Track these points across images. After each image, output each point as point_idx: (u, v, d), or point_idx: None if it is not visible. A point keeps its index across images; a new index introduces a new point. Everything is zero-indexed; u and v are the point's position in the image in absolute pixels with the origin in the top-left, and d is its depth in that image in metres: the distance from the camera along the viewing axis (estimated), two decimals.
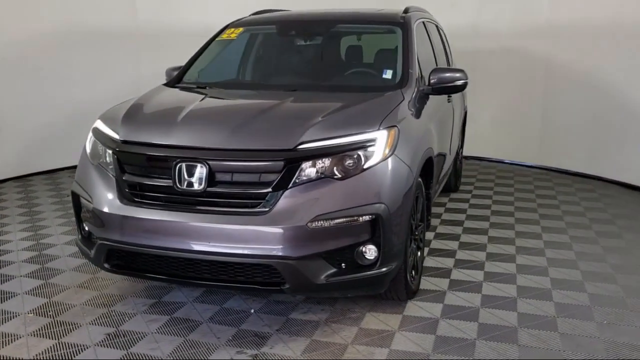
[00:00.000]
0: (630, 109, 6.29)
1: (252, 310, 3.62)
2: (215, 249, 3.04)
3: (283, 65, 4.61)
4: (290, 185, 3.02)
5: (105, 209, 3.24)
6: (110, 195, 3.27)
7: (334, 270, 3.09)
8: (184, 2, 7.86)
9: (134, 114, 3.57)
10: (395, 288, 3.48)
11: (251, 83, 4.51)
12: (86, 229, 3.58)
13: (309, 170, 3.05)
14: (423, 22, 4.87)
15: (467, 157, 7.61)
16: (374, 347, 3.18)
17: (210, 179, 3.07)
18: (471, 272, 4.15)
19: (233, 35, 4.68)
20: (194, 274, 3.20)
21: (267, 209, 3.00)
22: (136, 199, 3.22)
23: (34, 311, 3.61)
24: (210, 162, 3.07)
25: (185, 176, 3.10)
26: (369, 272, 3.13)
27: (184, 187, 3.11)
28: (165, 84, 4.36)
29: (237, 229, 3.01)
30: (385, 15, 4.67)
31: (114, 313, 3.59)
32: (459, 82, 4.05)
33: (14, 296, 3.82)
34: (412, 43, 4.25)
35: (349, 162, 3.09)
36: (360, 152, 3.11)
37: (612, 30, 6.36)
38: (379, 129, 3.20)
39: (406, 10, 4.72)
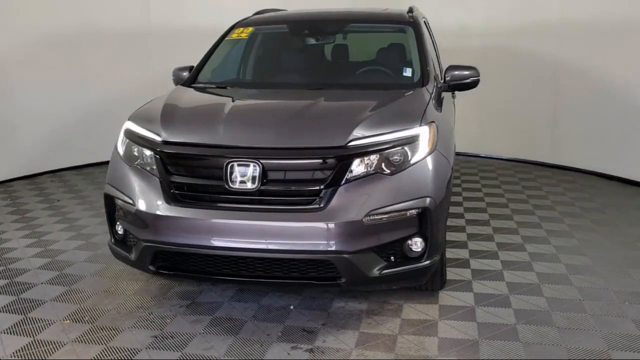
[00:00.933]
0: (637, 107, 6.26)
1: (292, 307, 3.66)
2: (271, 246, 3.08)
3: (300, 64, 4.67)
4: (343, 181, 3.09)
5: (151, 211, 3.22)
6: (155, 197, 3.25)
7: (384, 263, 3.18)
8: (196, 2, 7.86)
9: (171, 115, 3.56)
10: (432, 279, 3.60)
11: (272, 82, 4.52)
12: (120, 232, 3.54)
13: (360, 166, 3.13)
14: (424, 21, 5.03)
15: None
16: (423, 337, 3.29)
17: (263, 177, 3.11)
18: (488, 261, 4.32)
19: (244, 35, 4.70)
20: (246, 272, 3.23)
21: (322, 206, 3.06)
22: (184, 200, 3.22)
23: (70, 317, 3.55)
24: (263, 161, 3.11)
25: (238, 176, 3.12)
26: (416, 265, 3.24)
27: (236, 186, 3.13)
28: (183, 84, 4.32)
29: (294, 226, 3.06)
30: (393, 14, 4.79)
31: (152, 316, 3.56)
32: (472, 79, 4.19)
33: (42, 304, 3.74)
34: (426, 41, 4.39)
35: (397, 157, 3.19)
36: (407, 148, 3.22)
37: (621, 29, 6.25)
38: (421, 125, 3.31)
39: (411, 10, 4.86)
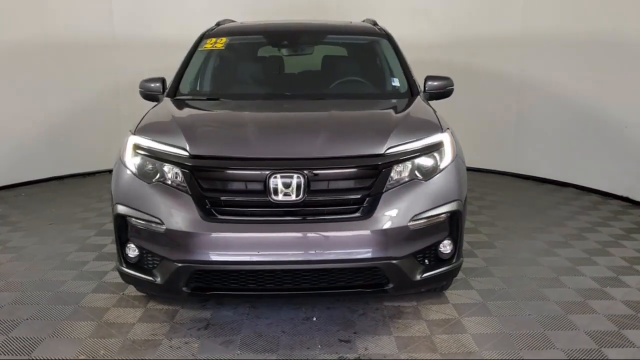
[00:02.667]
0: (595, 118, 6.54)
1: (314, 318, 3.63)
2: (319, 257, 3.05)
3: (288, 75, 4.62)
4: (385, 188, 3.15)
5: (186, 229, 3.06)
6: (188, 214, 3.09)
7: (423, 267, 3.28)
8: (160, 14, 7.84)
9: (194, 128, 3.40)
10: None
11: (268, 93, 4.39)
12: (132, 254, 3.31)
13: (398, 173, 3.21)
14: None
15: None
16: (456, 334, 3.42)
17: (307, 188, 3.07)
18: (467, 259, 4.53)
19: (219, 45, 4.58)
20: (291, 285, 3.16)
21: (367, 213, 3.09)
22: (222, 215, 3.08)
23: (83, 352, 3.24)
24: (306, 172, 3.07)
25: (281, 187, 3.06)
26: (448, 266, 3.38)
27: (280, 198, 3.06)
28: (167, 96, 4.12)
29: (341, 235, 3.06)
30: (365, 26, 4.91)
31: (174, 342, 3.35)
32: (448, 89, 4.43)
33: (41, 341, 3.36)
34: (402, 52, 4.56)
35: (429, 163, 3.31)
36: (436, 154, 3.34)
37: (580, 41, 6.53)
38: (443, 131, 3.45)
39: (375, 23, 5.02)
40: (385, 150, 3.21)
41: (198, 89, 4.33)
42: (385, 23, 5.14)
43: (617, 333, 3.42)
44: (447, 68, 6.05)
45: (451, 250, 3.37)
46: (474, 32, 7.51)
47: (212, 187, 3.14)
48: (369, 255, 3.08)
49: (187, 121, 3.49)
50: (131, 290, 4.03)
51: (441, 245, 3.34)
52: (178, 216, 3.10)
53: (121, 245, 3.35)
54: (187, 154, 3.19)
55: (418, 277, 3.23)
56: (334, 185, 3.15)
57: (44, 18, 7.07)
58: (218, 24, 5.01)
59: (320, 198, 3.11)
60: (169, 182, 3.19)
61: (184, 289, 3.15)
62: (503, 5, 7.28)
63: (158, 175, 3.24)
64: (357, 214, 3.10)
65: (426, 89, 4.35)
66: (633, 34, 5.90)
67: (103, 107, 7.65)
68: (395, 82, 4.34)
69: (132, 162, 3.34)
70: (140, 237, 3.26)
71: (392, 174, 3.18)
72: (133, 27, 7.69)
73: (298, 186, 3.06)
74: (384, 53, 4.63)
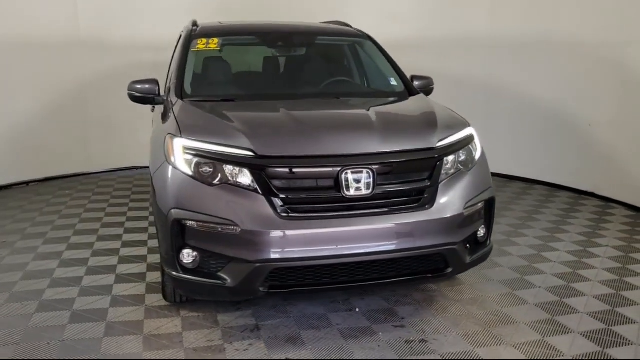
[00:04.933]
0: (560, 117, 6.73)
1: (357, 309, 3.77)
2: (391, 247, 3.21)
3: (293, 75, 4.64)
4: (441, 179, 3.38)
5: (264, 229, 3.06)
6: (263, 214, 3.09)
7: (468, 250, 3.55)
8: (126, 14, 7.63)
9: (254, 128, 3.37)
10: None
11: (282, 94, 4.34)
12: (188, 260, 3.24)
13: (448, 164, 3.45)
14: None
15: None
16: (506, 307, 3.75)
17: (376, 182, 3.21)
18: None
19: (212, 46, 4.52)
20: (362, 276, 3.28)
21: (429, 203, 3.30)
22: (297, 213, 3.13)
23: None
24: (374, 166, 3.21)
25: (353, 183, 3.17)
26: (484, 249, 3.68)
27: (352, 193, 3.17)
28: (179, 98, 4.01)
29: (409, 225, 3.24)
30: (345, 29, 5.08)
31: (233, 347, 3.32)
32: (430, 87, 4.76)
33: None
34: (388, 53, 4.83)
35: (468, 155, 3.59)
36: (471, 146, 3.64)
37: (541, 43, 6.71)
38: (470, 125, 3.76)
39: (346, 24, 5.24)
40: (437, 144, 3.44)
41: (204, 90, 4.24)
42: (353, 24, 5.36)
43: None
44: (415, 69, 6.14)
45: (484, 234, 3.67)
46: (442, 33, 7.56)
47: (285, 186, 3.16)
48: (434, 242, 3.28)
49: (241, 122, 3.45)
50: (152, 300, 3.89)
51: (479, 229, 3.64)
52: (253, 217, 3.08)
53: (177, 252, 3.24)
54: (253, 154, 3.18)
55: (468, 260, 3.49)
56: (400, 177, 3.32)
57: (8, 18, 6.80)
58: (194, 24, 4.90)
59: (388, 190, 3.26)
60: (235, 184, 3.16)
61: (260, 288, 3.14)
62: (470, 6, 7.35)
63: (219, 177, 3.19)
64: (420, 204, 3.30)
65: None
66: (594, 35, 6.18)
67: (69, 109, 7.50)
68: (393, 82, 4.57)
69: (186, 165, 3.25)
70: (203, 241, 3.17)
71: (444, 165, 3.41)
72: (99, 27, 7.52)
73: (367, 180, 3.19)
74: (371, 53, 4.84)
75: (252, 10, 7.14)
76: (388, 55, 4.79)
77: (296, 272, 3.19)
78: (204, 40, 4.54)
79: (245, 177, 3.16)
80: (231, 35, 4.74)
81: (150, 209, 6.11)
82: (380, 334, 3.45)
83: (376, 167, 3.22)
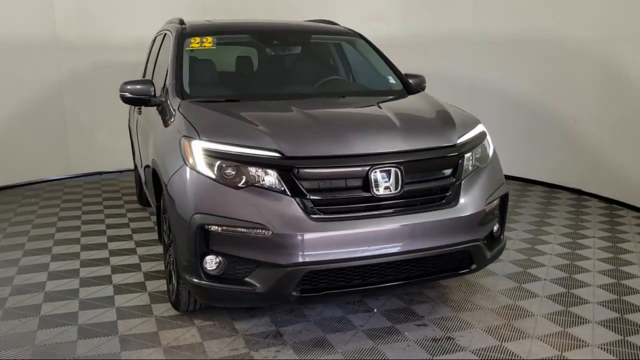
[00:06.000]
0: (546, 114, 6.75)
1: (375, 310, 3.73)
2: (421, 246, 3.19)
3: (294, 74, 4.55)
4: (462, 176, 3.39)
5: (296, 231, 2.98)
6: (294, 216, 3.01)
7: (487, 246, 3.58)
8: (103, 14, 7.55)
9: (279, 129, 3.27)
10: None
11: (284, 93, 4.26)
12: (212, 266, 3.12)
13: (468, 161, 3.46)
14: None
15: None
16: (519, 300, 3.81)
17: (403, 180, 3.19)
18: None
19: (207, 45, 4.38)
20: (392, 276, 3.25)
21: (455, 200, 3.30)
22: (327, 214, 3.06)
23: None
24: (402, 165, 3.19)
25: (382, 182, 3.13)
26: (499, 244, 3.71)
27: (381, 192, 3.14)
28: (180, 98, 3.86)
29: (437, 223, 3.23)
30: (337, 27, 5.03)
31: (260, 354, 3.22)
32: (423, 85, 4.79)
33: None
34: (381, 52, 4.82)
35: (484, 151, 3.62)
36: (485, 143, 3.67)
37: (524, 42, 6.76)
38: (480, 123, 3.79)
39: (335, 23, 5.20)
40: (457, 141, 3.45)
41: (204, 91, 4.09)
42: (339, 22, 5.32)
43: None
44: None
45: (498, 229, 3.71)
46: (426, 31, 7.55)
47: (314, 187, 3.09)
48: (461, 239, 3.29)
49: (262, 122, 3.33)
50: (160, 310, 3.73)
51: (495, 225, 3.67)
52: (284, 219, 2.99)
53: (200, 258, 3.11)
54: (280, 155, 3.09)
55: (489, 256, 3.52)
56: (426, 175, 3.30)
57: None
58: (182, 22, 4.72)
59: (415, 189, 3.24)
60: (262, 186, 3.06)
61: (293, 293, 3.05)
62: (454, 6, 7.35)
63: (244, 180, 3.08)
64: (445, 202, 3.29)
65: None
66: (578, 33, 6.24)
67: (46, 110, 7.36)
68: (392, 80, 4.56)
69: (208, 168, 3.12)
70: (229, 246, 3.06)
71: (465, 162, 3.42)
72: (76, 27, 7.41)
73: (396, 179, 3.16)
74: (364, 51, 4.81)
75: (234, 10, 7.00)
76: (382, 54, 4.78)
77: (327, 275, 3.12)
78: (198, 39, 4.39)
79: (272, 179, 3.07)
80: (224, 33, 4.60)
81: (130, 215, 5.89)
82: (406, 333, 3.42)
83: (404, 165, 3.19)
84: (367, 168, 3.12)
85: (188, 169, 3.17)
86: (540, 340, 3.33)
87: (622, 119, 5.97)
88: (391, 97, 4.30)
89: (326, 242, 3.02)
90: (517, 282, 4.14)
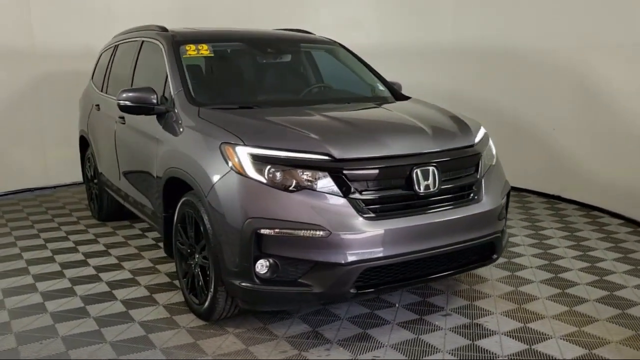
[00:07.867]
0: (526, 123, 6.87)
1: (397, 305, 3.91)
2: (461, 239, 3.41)
3: (292, 82, 4.60)
4: (483, 173, 3.67)
5: (354, 230, 3.10)
6: (350, 216, 3.12)
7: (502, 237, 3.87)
8: (80, 22, 7.49)
9: (330, 133, 3.39)
10: None
11: (291, 100, 4.39)
12: (262, 271, 3.17)
13: (484, 159, 3.75)
14: None
15: None
16: (520, 287, 4.12)
17: (440, 178, 3.41)
18: None
19: (204, 52, 4.37)
20: (433, 269, 3.44)
21: (479, 196, 3.57)
22: (378, 213, 3.20)
23: None
24: (438, 164, 3.40)
25: (422, 180, 3.33)
26: (506, 235, 4.01)
27: (423, 190, 3.33)
28: (195, 105, 3.83)
29: (472, 217, 3.46)
30: (318, 37, 5.17)
31: (319, 355, 3.29)
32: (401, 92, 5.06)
33: None
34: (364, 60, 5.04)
35: (490, 150, 3.92)
36: (490, 143, 3.99)
37: (503, 52, 6.89)
38: (482, 125, 4.11)
39: (310, 32, 5.36)
40: (475, 141, 3.72)
41: (212, 99, 4.07)
42: (317, 33, 5.46)
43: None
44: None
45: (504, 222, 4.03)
46: (406, 42, 7.57)
47: (364, 188, 3.21)
48: (489, 231, 3.55)
49: (306, 127, 3.41)
50: (185, 321, 3.66)
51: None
52: (340, 219, 3.08)
53: (253, 262, 3.13)
54: (330, 158, 3.19)
55: (504, 245, 3.82)
56: (457, 173, 3.53)
57: None
58: (164, 29, 4.64)
59: (449, 186, 3.46)
60: (313, 188, 3.14)
61: (351, 290, 3.15)
62: (434, 16, 7.46)
63: (294, 183, 3.15)
64: (472, 198, 3.55)
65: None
66: (554, 44, 6.34)
67: (23, 119, 7.28)
68: (380, 87, 4.77)
69: (257, 173, 3.15)
70: (283, 248, 3.10)
71: (482, 161, 3.71)
72: (53, 34, 7.33)
73: (434, 177, 3.36)
74: (346, 60, 4.99)
75: (212, 19, 6.93)
76: (365, 62, 4.98)
77: (380, 271, 3.24)
78: (193, 47, 4.35)
79: (324, 181, 3.15)
80: (217, 41, 4.58)
81: (93, 231, 5.62)
82: (436, 323, 3.63)
83: (439, 164, 3.41)
84: (410, 168, 3.30)
85: (236, 175, 3.17)
86: (556, 319, 3.66)
87: (596, 125, 6.11)
88: (391, 102, 4.48)
89: (381, 239, 3.15)
90: (508, 270, 4.49)
